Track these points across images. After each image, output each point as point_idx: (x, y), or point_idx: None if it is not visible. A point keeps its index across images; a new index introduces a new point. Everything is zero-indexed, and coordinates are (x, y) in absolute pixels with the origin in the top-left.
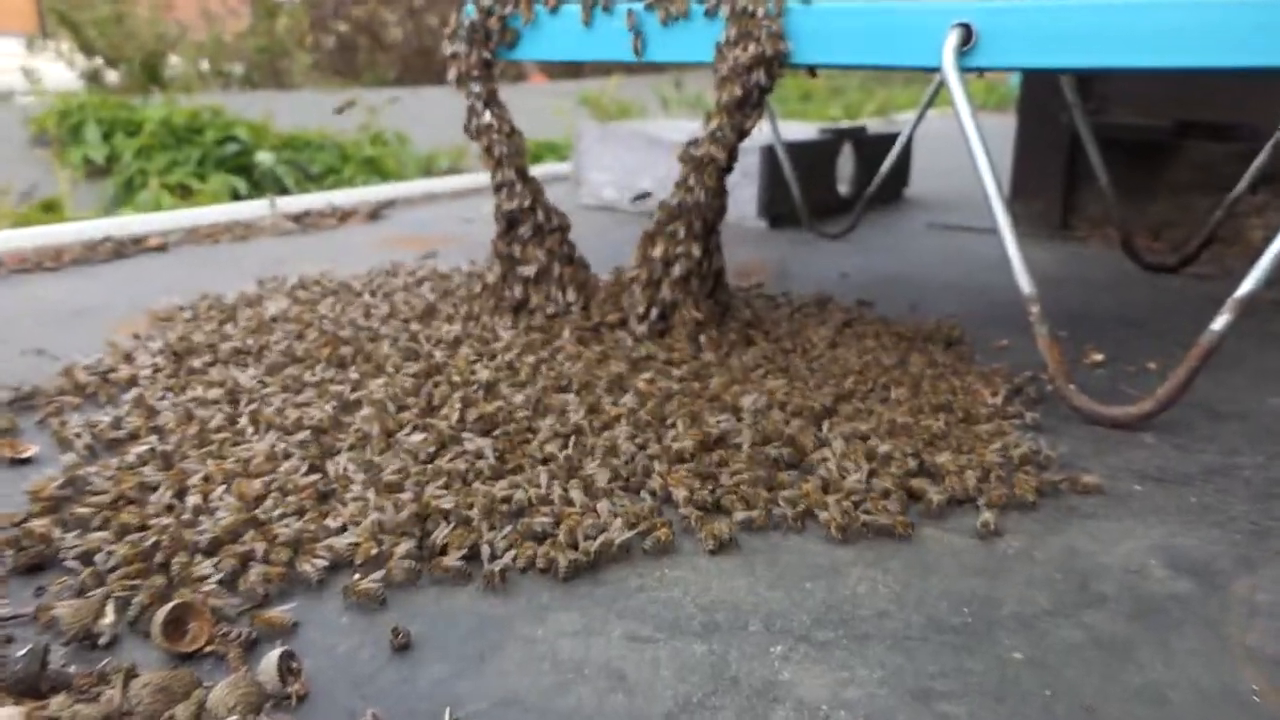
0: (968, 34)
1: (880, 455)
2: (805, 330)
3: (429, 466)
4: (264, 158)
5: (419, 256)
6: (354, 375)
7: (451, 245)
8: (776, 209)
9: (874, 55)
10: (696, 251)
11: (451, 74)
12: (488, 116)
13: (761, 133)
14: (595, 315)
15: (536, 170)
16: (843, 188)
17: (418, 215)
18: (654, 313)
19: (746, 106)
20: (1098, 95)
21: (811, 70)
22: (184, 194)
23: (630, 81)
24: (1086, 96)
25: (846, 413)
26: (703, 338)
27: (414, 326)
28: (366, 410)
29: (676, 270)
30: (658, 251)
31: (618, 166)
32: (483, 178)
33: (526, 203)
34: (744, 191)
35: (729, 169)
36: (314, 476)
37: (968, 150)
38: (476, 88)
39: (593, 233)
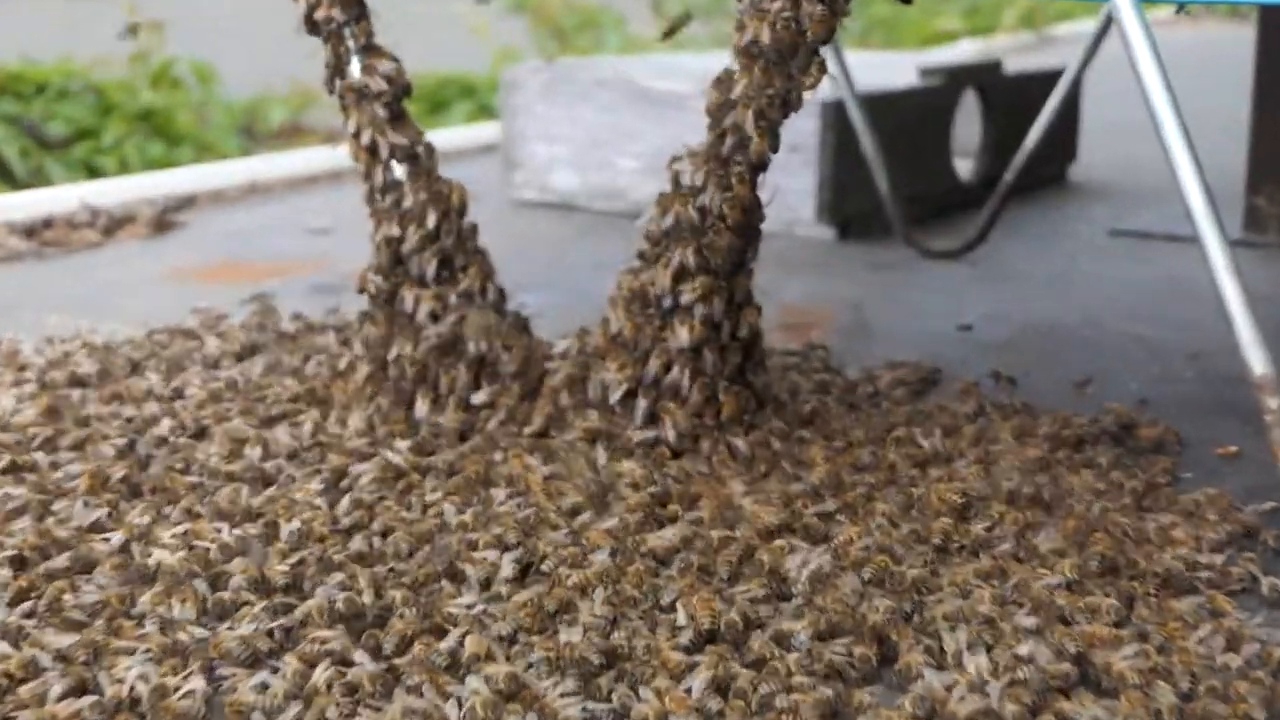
0: None
1: (1013, 657)
2: (896, 433)
3: None
4: None
5: (240, 300)
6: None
7: (294, 277)
8: (849, 208)
9: None
10: (716, 302)
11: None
12: (357, 72)
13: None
14: (541, 412)
15: (439, 138)
16: (964, 168)
17: (236, 221)
18: (640, 406)
19: (796, 57)
20: None
21: None
22: None
23: None
24: None
25: (960, 581)
26: (724, 447)
27: (221, 443)
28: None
29: (681, 333)
30: (649, 299)
31: (578, 135)
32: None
33: (430, 221)
34: (793, 180)
35: (763, 164)
36: None
37: (1152, 118)
38: (344, 26)
39: (537, 254)
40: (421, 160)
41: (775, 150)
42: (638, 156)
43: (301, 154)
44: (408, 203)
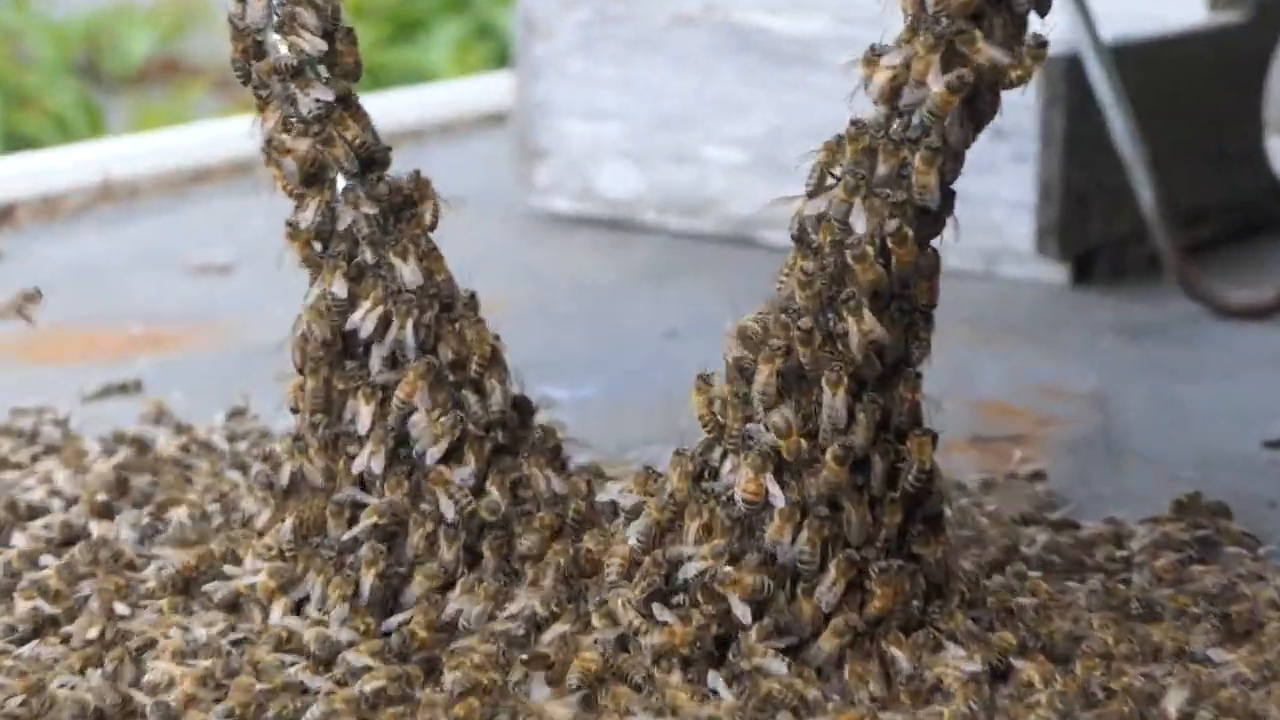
0: None
1: None
2: (1154, 636)
3: None
4: None
5: (86, 396)
6: None
7: (171, 351)
8: (1090, 233)
9: None
10: (860, 428)
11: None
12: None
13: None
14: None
15: (409, 101)
16: None
17: (79, 249)
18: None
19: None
20: None
21: None
22: None
23: None
24: None
25: None
26: (875, 663)
27: (70, 663)
28: None
29: (805, 479)
30: (741, 412)
31: (641, 107)
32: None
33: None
34: (998, 186)
35: (949, 172)
36: None
37: None
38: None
39: (571, 308)
40: (383, 193)
41: (965, 137)
42: (741, 144)
43: (181, 135)
44: (364, 254)
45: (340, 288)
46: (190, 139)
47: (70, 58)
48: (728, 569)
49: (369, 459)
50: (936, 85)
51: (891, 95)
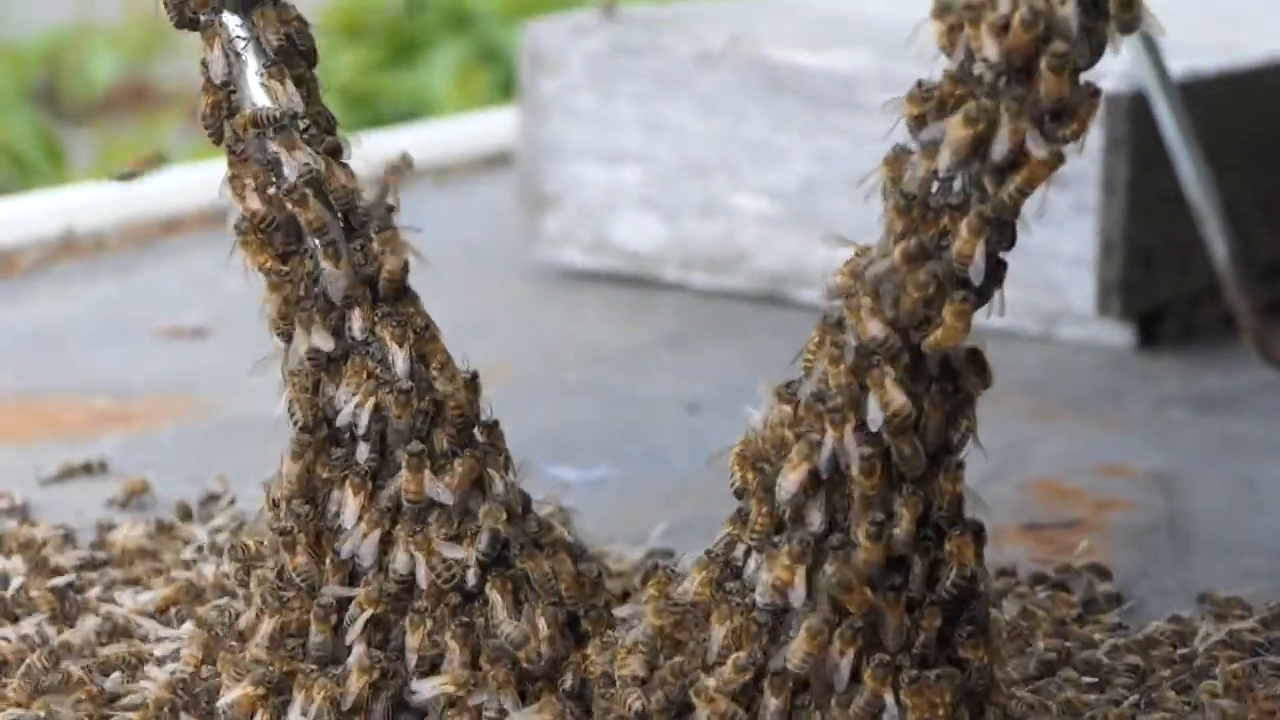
0: None
1: None
2: None
3: None
4: None
5: (46, 478)
6: None
7: (141, 430)
8: (1159, 291)
9: None
10: (900, 528)
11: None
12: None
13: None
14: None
15: (400, 140)
16: None
17: (35, 311)
18: (772, 706)
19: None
20: None
21: None
22: None
23: None
24: None
25: None
26: None
27: None
28: None
29: (839, 569)
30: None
31: (662, 149)
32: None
33: (397, 373)
34: (1057, 238)
35: (995, 242)
36: None
37: None
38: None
39: (583, 377)
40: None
41: (1011, 200)
42: (773, 193)
43: (150, 181)
44: (354, 326)
45: (324, 341)
46: (159, 185)
47: (27, 83)
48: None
49: (361, 541)
50: (1039, 151)
51: (971, 153)
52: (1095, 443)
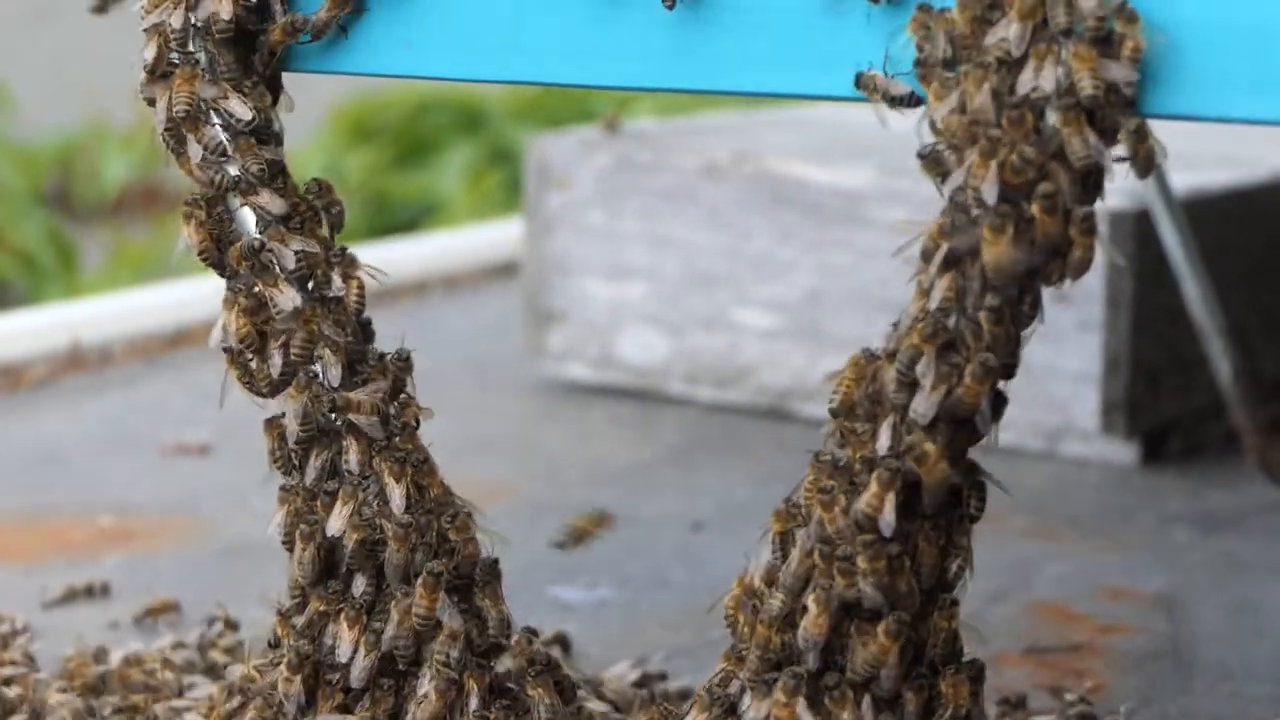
0: None
1: None
2: None
3: None
4: None
5: (48, 601)
6: None
7: (143, 550)
8: (1163, 409)
9: None
10: (886, 672)
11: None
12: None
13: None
14: None
15: (398, 255)
16: None
17: (40, 426)
18: None
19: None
20: None
21: None
22: None
23: None
24: None
25: None
26: None
27: None
28: None
29: (838, 712)
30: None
31: (668, 264)
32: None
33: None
34: (1064, 356)
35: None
36: None
37: None
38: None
39: (586, 493)
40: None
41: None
42: (778, 307)
43: (156, 294)
44: (350, 459)
45: (328, 522)
46: (166, 298)
47: (40, 186)
48: None
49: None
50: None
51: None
52: (1099, 563)
